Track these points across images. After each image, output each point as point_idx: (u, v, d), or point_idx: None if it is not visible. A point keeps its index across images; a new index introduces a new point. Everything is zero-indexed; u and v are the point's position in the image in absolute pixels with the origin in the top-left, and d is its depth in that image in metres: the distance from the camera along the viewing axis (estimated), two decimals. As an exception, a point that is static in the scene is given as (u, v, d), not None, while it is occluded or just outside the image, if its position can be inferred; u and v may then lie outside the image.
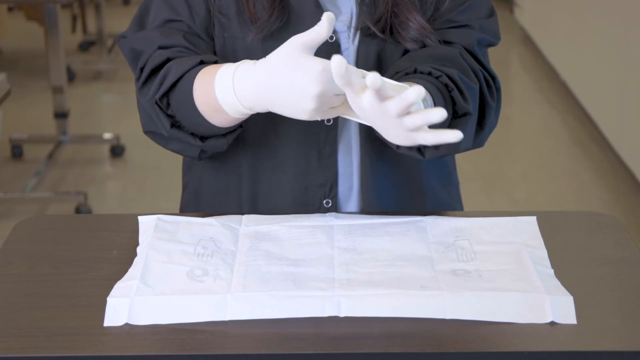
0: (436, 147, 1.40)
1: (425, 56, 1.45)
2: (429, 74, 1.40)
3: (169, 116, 1.43)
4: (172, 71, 1.41)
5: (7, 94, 3.31)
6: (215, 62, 1.42)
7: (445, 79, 1.40)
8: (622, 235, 1.39)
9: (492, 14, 1.53)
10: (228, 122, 1.39)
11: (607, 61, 4.27)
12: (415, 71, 1.41)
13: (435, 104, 1.36)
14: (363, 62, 1.48)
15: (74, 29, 6.18)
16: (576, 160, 4.26)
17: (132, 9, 7.09)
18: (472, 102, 1.42)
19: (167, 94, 1.42)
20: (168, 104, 1.43)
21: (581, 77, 4.75)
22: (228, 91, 1.34)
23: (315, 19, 1.46)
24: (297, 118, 1.30)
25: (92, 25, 6.24)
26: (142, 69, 1.46)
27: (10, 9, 6.14)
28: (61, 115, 4.38)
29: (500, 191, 3.95)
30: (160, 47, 1.45)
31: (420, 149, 1.41)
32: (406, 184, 1.54)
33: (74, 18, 6.14)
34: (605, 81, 4.28)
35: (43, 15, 4.40)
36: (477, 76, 1.46)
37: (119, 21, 6.45)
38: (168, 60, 1.43)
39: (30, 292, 1.24)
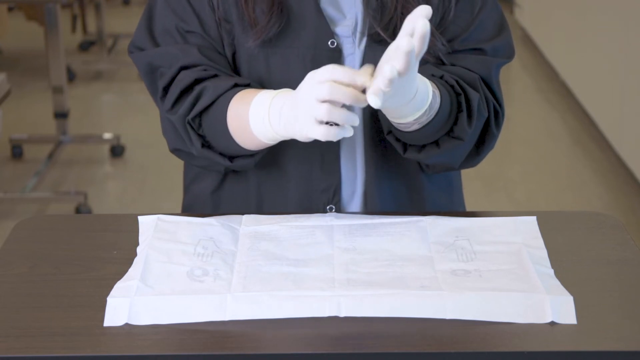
0: (419, 150, 1.45)
1: (448, 71, 1.46)
2: (452, 86, 1.42)
3: (200, 136, 1.45)
4: (206, 93, 1.42)
5: (7, 94, 3.32)
6: (248, 85, 1.43)
7: (462, 99, 1.42)
8: (622, 235, 1.39)
9: (502, 28, 1.52)
10: (259, 146, 1.41)
11: (607, 61, 4.27)
12: (441, 77, 1.43)
13: (442, 106, 1.38)
14: None
15: (74, 29, 6.17)
16: (576, 160, 4.26)
17: (132, 9, 7.09)
18: (474, 131, 1.45)
19: (200, 114, 1.44)
20: (200, 124, 1.44)
21: (581, 77, 4.75)
22: (263, 121, 1.35)
23: (317, 23, 1.46)
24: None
25: (92, 25, 6.24)
26: (165, 89, 1.47)
27: (10, 9, 6.14)
28: (61, 115, 4.37)
29: (500, 191, 3.95)
30: (183, 67, 1.47)
31: (423, 161, 1.46)
32: (407, 190, 1.54)
33: (74, 18, 6.14)
34: (605, 81, 4.28)
35: (43, 15, 4.40)
36: (487, 106, 1.48)
37: (119, 21, 6.46)
38: (196, 81, 1.45)
39: (30, 292, 1.24)
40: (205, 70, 1.45)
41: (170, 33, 1.49)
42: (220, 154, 1.46)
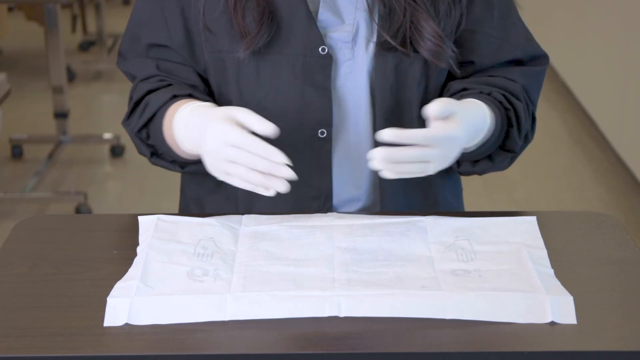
0: (473, 164, 1.50)
1: (493, 84, 1.49)
2: (500, 102, 1.46)
3: (150, 146, 1.49)
4: (149, 105, 1.47)
5: (7, 94, 3.32)
6: (189, 95, 1.46)
7: (512, 114, 1.47)
8: (622, 235, 1.39)
9: (528, 36, 1.55)
10: (193, 156, 1.44)
11: (607, 61, 4.27)
12: (489, 94, 1.46)
13: (492, 137, 1.44)
14: (380, 75, 1.47)
15: (74, 29, 6.18)
16: (576, 160, 4.26)
17: (132, 9, 7.08)
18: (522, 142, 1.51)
19: (146, 125, 1.48)
20: (148, 135, 1.49)
21: (581, 77, 4.75)
22: (184, 137, 1.40)
23: (307, 29, 1.45)
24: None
25: (92, 25, 6.25)
26: (130, 99, 1.52)
27: (10, 9, 6.14)
28: (61, 115, 4.38)
29: (500, 191, 3.95)
30: (142, 80, 1.51)
31: (459, 162, 1.49)
32: (421, 195, 1.55)
33: (74, 18, 6.15)
34: (605, 81, 4.28)
35: (43, 15, 4.40)
36: (527, 116, 1.53)
37: (119, 21, 6.45)
38: (148, 92, 1.49)
39: (30, 292, 1.24)
40: (160, 80, 1.49)
41: (140, 43, 1.53)
42: (172, 161, 1.49)
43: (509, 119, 1.47)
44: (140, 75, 1.51)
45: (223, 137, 1.30)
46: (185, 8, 1.48)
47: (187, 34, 1.49)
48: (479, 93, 1.46)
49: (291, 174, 1.27)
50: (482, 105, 1.41)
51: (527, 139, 1.54)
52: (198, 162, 1.45)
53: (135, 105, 1.50)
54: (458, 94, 1.47)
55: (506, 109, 1.47)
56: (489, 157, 1.50)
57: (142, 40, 1.52)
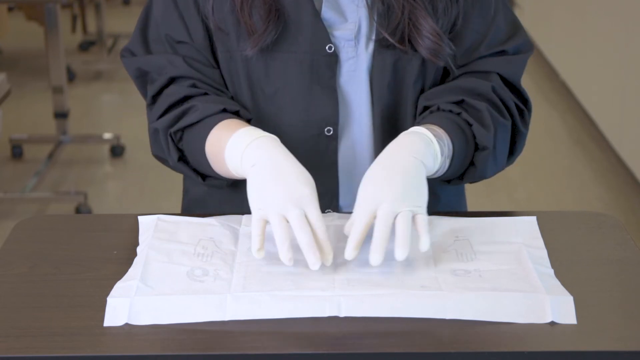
0: (461, 178, 1.48)
1: (456, 88, 1.47)
2: (450, 111, 1.44)
3: (179, 149, 1.48)
4: (194, 111, 1.45)
5: (7, 94, 3.32)
6: (237, 112, 1.45)
7: (465, 115, 1.43)
8: (622, 235, 1.39)
9: (517, 26, 1.53)
10: (229, 176, 1.44)
11: (607, 61, 4.27)
12: (438, 109, 1.45)
13: (454, 144, 1.41)
14: (378, 72, 1.47)
15: (74, 29, 6.18)
16: (576, 160, 4.26)
17: (132, 9, 7.09)
18: (499, 136, 1.46)
19: (182, 129, 1.47)
20: (181, 138, 1.47)
21: (581, 77, 4.75)
22: (236, 159, 1.36)
23: (314, 28, 1.46)
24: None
25: (92, 25, 6.25)
26: (154, 97, 1.50)
27: (10, 9, 6.14)
28: (61, 115, 4.38)
29: (501, 191, 3.95)
30: (172, 78, 1.49)
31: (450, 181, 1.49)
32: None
33: (74, 18, 6.15)
34: (605, 81, 4.28)
35: (43, 15, 4.40)
36: (510, 110, 1.49)
37: (119, 21, 6.46)
38: (185, 97, 1.47)
39: (30, 292, 1.24)
40: (194, 86, 1.48)
41: (161, 41, 1.51)
42: (195, 170, 1.49)
43: (465, 121, 1.44)
44: (170, 72, 1.48)
45: (285, 206, 1.28)
46: (201, 6, 1.48)
47: (207, 32, 1.49)
48: (429, 113, 1.45)
49: (315, 266, 1.25)
50: (411, 131, 1.38)
51: (519, 132, 1.51)
52: (222, 178, 1.47)
53: (169, 107, 1.48)
54: (431, 114, 1.46)
55: (457, 113, 1.44)
56: (472, 163, 1.47)
57: (161, 37, 1.50)
